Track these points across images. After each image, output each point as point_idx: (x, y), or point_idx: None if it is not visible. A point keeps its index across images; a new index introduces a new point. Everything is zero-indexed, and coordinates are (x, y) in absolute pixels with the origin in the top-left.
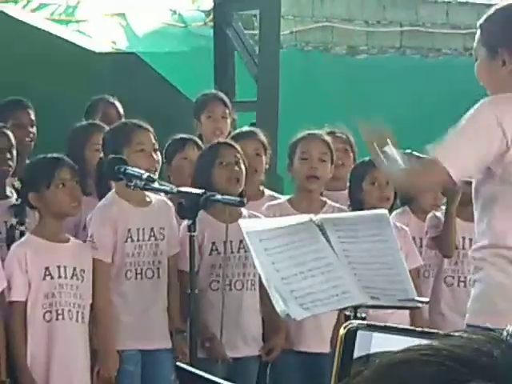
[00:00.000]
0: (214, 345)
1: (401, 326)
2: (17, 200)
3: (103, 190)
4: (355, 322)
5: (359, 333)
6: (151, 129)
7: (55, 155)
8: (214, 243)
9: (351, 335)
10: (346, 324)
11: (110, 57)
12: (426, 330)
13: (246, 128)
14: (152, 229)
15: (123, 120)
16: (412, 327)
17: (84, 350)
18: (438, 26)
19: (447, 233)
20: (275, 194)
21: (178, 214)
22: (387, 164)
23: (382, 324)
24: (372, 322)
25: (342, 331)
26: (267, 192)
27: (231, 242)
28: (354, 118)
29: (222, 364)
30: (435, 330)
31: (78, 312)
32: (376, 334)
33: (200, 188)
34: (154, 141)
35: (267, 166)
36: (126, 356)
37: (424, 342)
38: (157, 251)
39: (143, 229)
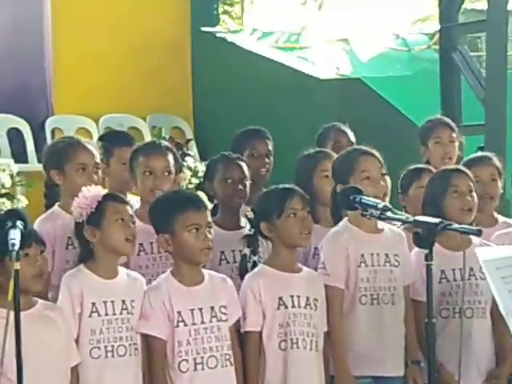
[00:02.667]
0: (442, 374)
1: None
2: (250, 230)
3: (338, 219)
4: None
5: None
6: (378, 155)
7: (286, 185)
8: (443, 271)
9: None
10: None
11: (335, 83)
12: None
13: (479, 153)
14: (387, 254)
15: (351, 147)
16: None
17: (318, 378)
18: None
19: None
20: (508, 221)
21: (414, 243)
22: None
23: None
24: None
25: None
26: (501, 218)
27: (460, 269)
28: None
29: None
30: None
31: (311, 341)
32: None
33: (429, 215)
34: (380, 166)
35: (501, 191)
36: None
37: None
38: (391, 277)
39: (377, 254)
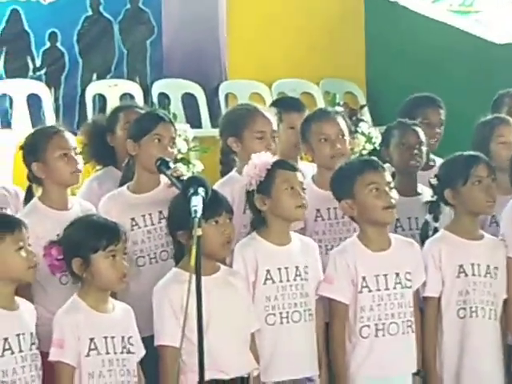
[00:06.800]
0: None
1: None
2: (432, 196)
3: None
4: None
5: None
6: None
7: (472, 153)
8: None
9: None
10: None
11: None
12: None
13: None
14: None
15: None
16: None
17: (496, 347)
18: None
19: None
20: None
21: None
22: None
23: None
24: None
25: None
26: None
27: None
28: None
29: None
30: None
31: (490, 309)
32: None
33: None
34: None
35: None
36: None
37: None
38: None
39: None
